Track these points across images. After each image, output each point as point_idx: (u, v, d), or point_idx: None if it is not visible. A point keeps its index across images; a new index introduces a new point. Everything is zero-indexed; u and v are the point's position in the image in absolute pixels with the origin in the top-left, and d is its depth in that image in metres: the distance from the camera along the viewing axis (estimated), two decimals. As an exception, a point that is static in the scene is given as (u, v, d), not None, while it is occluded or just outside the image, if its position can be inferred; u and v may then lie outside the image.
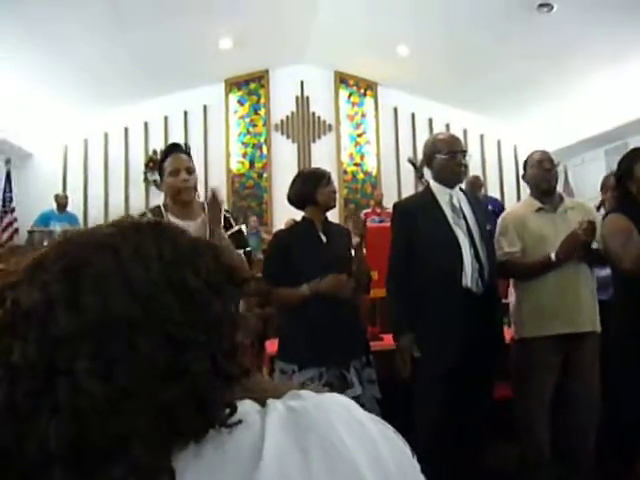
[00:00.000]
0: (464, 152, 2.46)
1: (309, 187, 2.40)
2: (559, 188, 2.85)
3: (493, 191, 8.36)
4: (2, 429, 0.43)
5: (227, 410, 0.48)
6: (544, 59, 6.53)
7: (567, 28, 5.86)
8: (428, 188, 2.50)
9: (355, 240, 2.41)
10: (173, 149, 2.23)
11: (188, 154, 2.25)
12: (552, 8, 5.72)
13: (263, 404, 0.51)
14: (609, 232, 2.14)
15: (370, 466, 0.48)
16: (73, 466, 0.42)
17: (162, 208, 2.24)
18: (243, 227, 2.55)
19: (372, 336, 2.88)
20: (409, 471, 0.53)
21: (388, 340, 2.84)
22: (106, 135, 8.34)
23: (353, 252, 2.38)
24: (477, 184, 6.28)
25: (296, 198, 2.46)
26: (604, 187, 3.29)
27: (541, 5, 5.70)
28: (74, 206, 7.62)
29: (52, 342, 0.44)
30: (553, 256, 2.36)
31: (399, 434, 0.57)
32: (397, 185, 8.48)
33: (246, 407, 0.50)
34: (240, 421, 0.48)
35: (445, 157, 2.41)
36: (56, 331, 0.44)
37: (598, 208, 3.31)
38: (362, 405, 2.03)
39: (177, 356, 0.46)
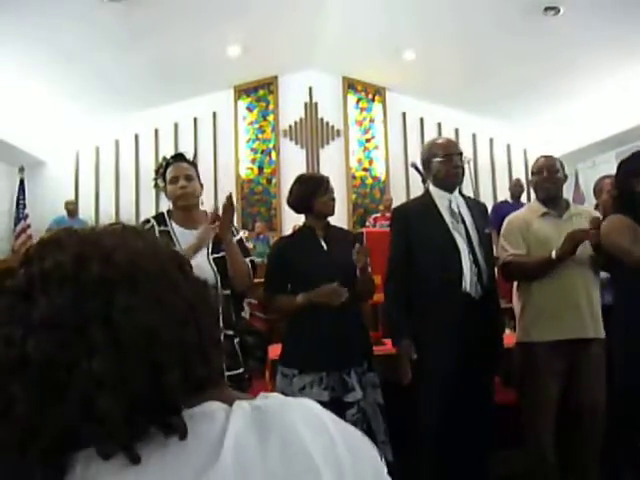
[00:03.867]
0: (460, 154, 2.46)
1: (306, 195, 2.38)
2: (569, 192, 2.84)
3: (503, 195, 8.30)
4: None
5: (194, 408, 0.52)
6: (552, 62, 6.49)
7: (574, 31, 5.82)
8: (428, 192, 2.50)
9: (360, 264, 2.30)
10: (174, 158, 2.29)
11: (190, 162, 2.29)
12: (559, 11, 5.69)
13: (231, 405, 0.54)
14: (614, 231, 2.12)
15: (325, 458, 0.51)
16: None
17: (166, 215, 2.27)
18: (242, 234, 2.56)
19: (374, 341, 2.87)
20: (368, 471, 0.54)
21: (390, 345, 2.83)
22: (117, 142, 8.44)
23: (358, 272, 2.30)
24: (518, 186, 6.50)
25: (295, 205, 2.45)
26: (597, 190, 3.25)
27: (547, 8, 5.68)
28: (85, 212, 7.70)
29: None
30: (554, 254, 2.36)
31: (367, 438, 0.59)
32: (406, 190, 8.45)
33: (213, 406, 0.53)
34: (202, 414, 0.51)
35: (441, 160, 2.42)
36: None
37: None
38: (363, 410, 2.01)
39: (157, 373, 0.50)
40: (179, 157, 2.30)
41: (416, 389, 2.32)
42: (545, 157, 2.63)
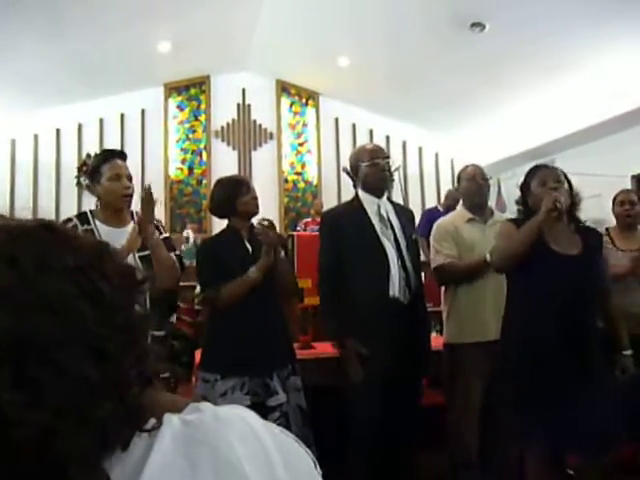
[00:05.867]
0: (387, 158, 2.49)
1: (228, 197, 2.35)
2: (492, 200, 2.97)
3: (431, 202, 8.57)
4: None
5: (147, 414, 0.47)
6: (479, 75, 6.77)
7: (499, 46, 6.10)
8: (357, 198, 2.51)
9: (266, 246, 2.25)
10: (114, 154, 2.19)
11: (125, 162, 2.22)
12: (484, 28, 5.95)
13: (160, 419, 0.49)
14: (496, 238, 2.24)
15: (259, 474, 0.48)
16: None
17: (89, 214, 2.17)
18: (190, 234, 2.51)
19: (303, 344, 2.85)
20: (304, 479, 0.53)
21: (320, 348, 2.82)
22: (36, 136, 7.95)
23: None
24: (450, 198, 6.65)
25: (217, 209, 2.42)
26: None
27: (474, 25, 5.92)
28: (-1, 210, 7.19)
29: None
30: (488, 257, 2.44)
31: (301, 442, 0.56)
32: (337, 195, 8.53)
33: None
34: (159, 425, 0.46)
35: (368, 164, 2.44)
36: None
37: None
38: (285, 413, 1.99)
39: (103, 367, 0.43)
40: (119, 154, 2.21)
41: (346, 392, 2.33)
42: (475, 166, 2.74)
